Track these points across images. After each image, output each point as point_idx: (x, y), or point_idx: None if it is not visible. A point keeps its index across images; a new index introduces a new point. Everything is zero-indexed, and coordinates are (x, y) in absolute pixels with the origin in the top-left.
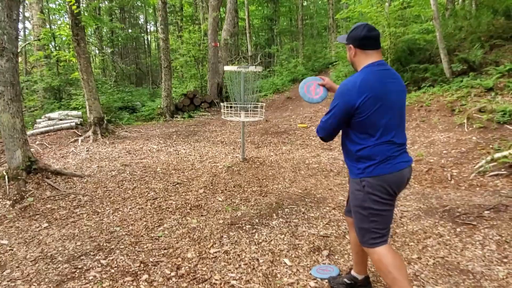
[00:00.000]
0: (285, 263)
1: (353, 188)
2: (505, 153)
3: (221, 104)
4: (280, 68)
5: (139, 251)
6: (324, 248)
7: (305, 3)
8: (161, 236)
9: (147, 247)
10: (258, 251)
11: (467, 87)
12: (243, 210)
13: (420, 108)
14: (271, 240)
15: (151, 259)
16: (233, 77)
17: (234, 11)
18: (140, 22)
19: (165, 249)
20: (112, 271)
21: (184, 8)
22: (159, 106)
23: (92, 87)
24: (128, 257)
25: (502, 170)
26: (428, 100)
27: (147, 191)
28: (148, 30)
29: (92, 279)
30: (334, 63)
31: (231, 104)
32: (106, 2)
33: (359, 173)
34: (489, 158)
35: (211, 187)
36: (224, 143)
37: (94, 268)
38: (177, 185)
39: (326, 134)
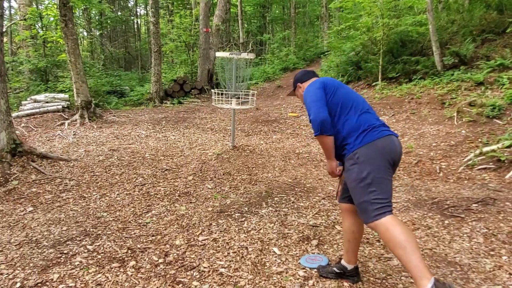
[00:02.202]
0: (274, 252)
1: (348, 165)
2: (494, 147)
3: (212, 91)
4: (272, 57)
5: (127, 237)
6: (314, 237)
7: None
8: (149, 223)
9: (134, 234)
10: (247, 240)
11: (458, 81)
12: (232, 198)
13: (410, 101)
14: (260, 229)
15: (138, 246)
16: (225, 64)
17: None
18: (130, 5)
19: (153, 235)
20: (99, 256)
21: None
22: (148, 91)
23: (79, 69)
24: (115, 243)
25: (490, 164)
26: (418, 92)
27: (135, 177)
28: (138, 14)
29: (78, 264)
30: (326, 53)
31: (222, 91)
32: None
33: (350, 147)
34: (477, 151)
35: (200, 174)
36: (214, 130)
37: (80, 253)
38: (165, 172)
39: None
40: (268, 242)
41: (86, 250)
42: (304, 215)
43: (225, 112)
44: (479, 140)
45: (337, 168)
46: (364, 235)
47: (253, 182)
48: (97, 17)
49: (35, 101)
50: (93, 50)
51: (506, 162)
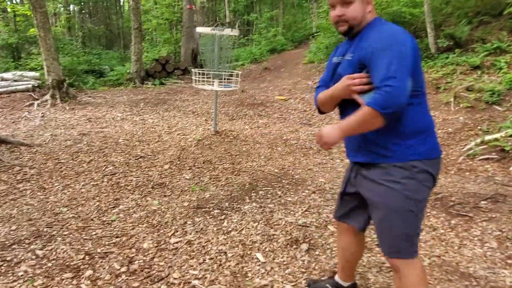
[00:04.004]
0: (257, 259)
1: (393, 177)
2: (496, 135)
3: (193, 70)
4: (259, 37)
5: (86, 239)
6: (303, 240)
7: None
8: (114, 220)
9: (96, 234)
10: (227, 243)
11: (453, 64)
12: (212, 191)
13: None
14: (242, 229)
15: (99, 250)
16: (207, 41)
17: None
18: None
19: (117, 237)
20: (49, 264)
21: None
22: (128, 71)
23: (50, 45)
24: (71, 246)
25: (493, 154)
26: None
27: (105, 165)
28: None
29: (22, 275)
30: (315, 34)
31: (204, 71)
32: None
33: (409, 153)
34: (478, 140)
35: (178, 162)
36: (196, 113)
37: (26, 260)
38: (140, 159)
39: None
40: (250, 246)
41: (34, 256)
42: (292, 212)
43: (208, 94)
44: (479, 127)
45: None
46: None
47: (236, 172)
48: None
49: (2, 79)
50: (71, 27)
51: (511, 152)
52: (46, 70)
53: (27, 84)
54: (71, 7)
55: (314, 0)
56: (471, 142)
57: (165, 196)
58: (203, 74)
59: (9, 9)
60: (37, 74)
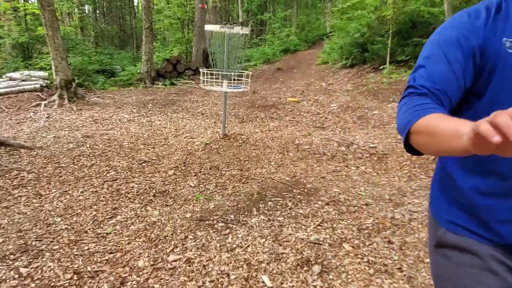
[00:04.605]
0: (263, 282)
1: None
2: None
3: (200, 70)
4: (272, 37)
5: (77, 254)
6: (315, 261)
7: None
8: (110, 233)
9: (88, 249)
10: (230, 262)
11: None
12: (217, 200)
13: None
14: (248, 246)
15: (89, 268)
16: (218, 41)
17: None
18: None
19: (111, 252)
20: (32, 285)
21: None
22: (138, 71)
23: (58, 45)
24: (59, 263)
25: None
26: None
27: (106, 170)
28: None
29: None
30: (329, 35)
31: (212, 71)
32: None
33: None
34: None
35: (183, 168)
36: (205, 115)
37: (7, 280)
38: (143, 164)
39: None
40: (256, 267)
41: (17, 275)
42: (303, 227)
43: (219, 95)
44: None
45: None
46: (381, 259)
47: (244, 179)
48: None
49: (11, 79)
50: (84, 27)
51: None
52: (54, 70)
53: (35, 84)
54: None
55: (327, 0)
56: None
57: (166, 205)
58: (212, 74)
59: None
60: (45, 73)
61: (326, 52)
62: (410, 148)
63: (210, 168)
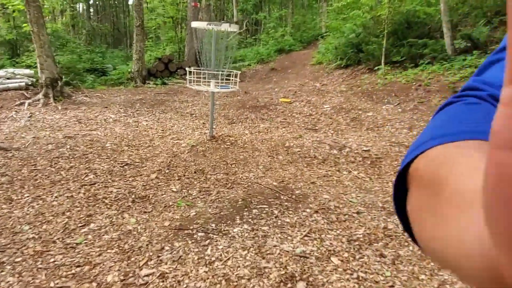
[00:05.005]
0: None
1: None
2: None
3: (187, 69)
4: (267, 37)
5: (41, 268)
6: (300, 277)
7: None
8: (80, 243)
9: (54, 262)
10: (208, 277)
11: (471, 67)
12: (199, 207)
13: (418, 88)
14: (228, 259)
15: (52, 284)
16: (208, 38)
17: None
18: None
19: (78, 265)
20: None
21: None
22: (129, 71)
23: (44, 42)
24: (20, 278)
25: None
26: (427, 79)
27: (85, 173)
28: None
29: None
30: (324, 35)
31: (199, 70)
32: None
33: None
34: None
35: (167, 171)
36: (194, 115)
37: None
38: (125, 167)
39: None
40: (236, 283)
41: None
42: (289, 238)
43: (209, 95)
44: None
45: None
46: (372, 276)
47: (230, 184)
48: None
49: None
50: (75, 24)
51: None
52: (39, 68)
53: (20, 82)
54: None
55: (323, 0)
56: None
57: (145, 212)
58: (199, 74)
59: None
60: (31, 71)
61: (321, 52)
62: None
63: (194, 172)
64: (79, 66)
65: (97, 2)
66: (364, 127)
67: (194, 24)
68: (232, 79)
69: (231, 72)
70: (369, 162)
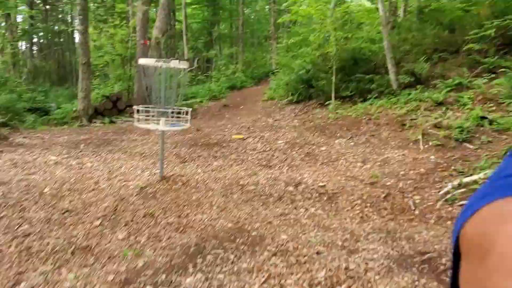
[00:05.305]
0: None
1: None
2: (475, 177)
3: (134, 107)
4: (218, 74)
5: None
6: None
7: (246, 11)
8: None
9: None
10: None
11: (416, 100)
12: (147, 256)
13: (368, 121)
14: None
15: None
16: (155, 76)
17: (168, 8)
18: (67, 17)
19: None
20: None
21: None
22: (74, 109)
23: None
24: None
25: None
26: (376, 112)
27: (19, 223)
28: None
29: None
30: (275, 71)
31: (147, 108)
32: None
33: None
34: (455, 183)
35: (112, 217)
36: (143, 155)
37: None
38: (65, 214)
39: None
40: None
41: None
42: (247, 286)
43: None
44: (452, 167)
45: None
46: None
47: (182, 228)
48: (24, 26)
49: None
50: (16, 63)
51: None
52: None
53: None
54: (22, 44)
55: (273, 38)
56: (448, 184)
57: (86, 266)
58: (148, 112)
59: None
60: None
61: (272, 88)
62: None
63: (144, 216)
64: (19, 105)
65: (41, 40)
66: (318, 162)
67: (142, 61)
68: (183, 117)
69: (181, 109)
70: (325, 198)
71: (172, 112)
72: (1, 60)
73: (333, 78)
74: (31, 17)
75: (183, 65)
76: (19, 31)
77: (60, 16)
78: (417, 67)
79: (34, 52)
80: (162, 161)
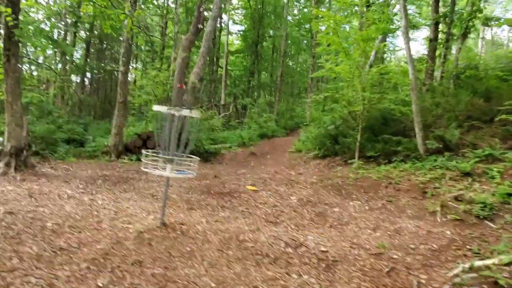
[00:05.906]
0: None
1: None
2: (488, 262)
3: (143, 151)
4: (251, 121)
5: None
6: None
7: (290, 63)
8: None
9: None
10: None
11: (442, 168)
12: None
13: (388, 185)
14: None
15: None
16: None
17: (205, 57)
18: (119, 56)
19: None
20: None
21: (165, 49)
22: (106, 144)
23: (16, 111)
24: None
25: (484, 286)
26: (398, 177)
27: (9, 257)
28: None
29: None
30: (307, 124)
31: (156, 154)
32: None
33: None
34: (467, 265)
35: (101, 260)
36: (155, 197)
37: None
38: (58, 252)
39: None
40: None
41: None
42: None
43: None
44: (468, 247)
45: None
46: None
47: (163, 282)
48: (77, 63)
49: None
50: (64, 95)
51: None
52: (6, 136)
53: None
54: (75, 77)
55: (310, 90)
56: (459, 265)
57: None
58: (155, 156)
59: None
60: (1, 139)
61: (301, 140)
62: None
63: (132, 263)
64: (56, 136)
65: (93, 75)
66: (327, 223)
67: (156, 107)
68: (192, 165)
69: (191, 157)
70: (324, 265)
71: (180, 159)
72: (52, 92)
73: (358, 136)
74: (87, 55)
75: (195, 114)
76: (73, 67)
77: (113, 55)
78: (447, 133)
79: (86, 85)
80: (164, 207)
